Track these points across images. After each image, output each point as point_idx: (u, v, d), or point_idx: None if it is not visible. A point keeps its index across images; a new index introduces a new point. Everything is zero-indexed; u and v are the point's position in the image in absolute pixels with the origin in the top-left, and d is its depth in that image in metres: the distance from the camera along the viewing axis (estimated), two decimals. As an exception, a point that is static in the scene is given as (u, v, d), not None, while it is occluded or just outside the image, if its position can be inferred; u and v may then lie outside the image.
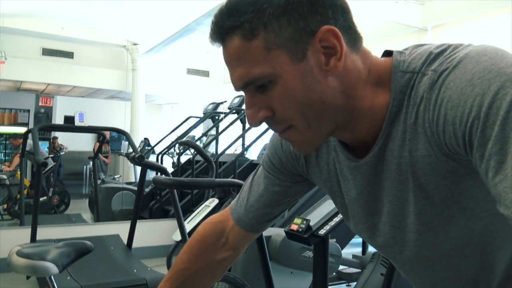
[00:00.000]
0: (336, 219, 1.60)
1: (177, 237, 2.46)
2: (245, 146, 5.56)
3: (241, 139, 5.61)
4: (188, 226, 2.44)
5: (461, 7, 6.71)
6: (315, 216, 1.65)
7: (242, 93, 0.62)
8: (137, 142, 7.04)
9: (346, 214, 0.75)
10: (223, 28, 0.59)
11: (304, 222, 1.60)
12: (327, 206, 1.68)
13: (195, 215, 2.55)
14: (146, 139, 8.73)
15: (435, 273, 0.69)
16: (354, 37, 0.61)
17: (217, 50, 0.61)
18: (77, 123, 4.32)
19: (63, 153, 8.48)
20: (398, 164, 0.61)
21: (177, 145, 6.88)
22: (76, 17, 9.17)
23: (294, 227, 1.63)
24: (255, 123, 0.62)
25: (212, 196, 2.73)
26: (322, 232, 1.58)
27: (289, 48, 0.57)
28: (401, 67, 0.60)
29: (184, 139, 4.89)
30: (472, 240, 0.62)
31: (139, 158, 2.46)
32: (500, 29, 5.72)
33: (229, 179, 2.87)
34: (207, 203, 2.58)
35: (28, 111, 10.97)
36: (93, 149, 6.92)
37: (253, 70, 0.58)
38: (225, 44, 0.59)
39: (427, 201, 0.61)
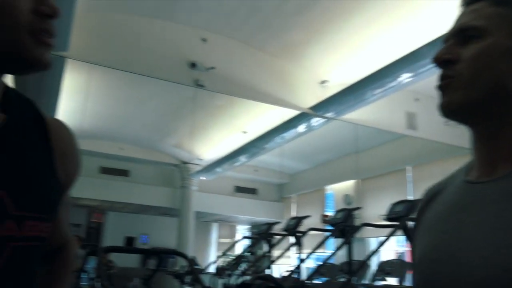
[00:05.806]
0: None
1: None
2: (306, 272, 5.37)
3: (297, 262, 5.47)
4: None
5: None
6: None
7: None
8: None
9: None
10: None
11: None
12: None
13: None
14: (193, 257, 8.64)
15: None
16: None
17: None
18: (139, 244, 4.41)
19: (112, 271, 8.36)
20: None
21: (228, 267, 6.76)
22: (134, 138, 9.83)
23: None
24: (440, 57, 0.67)
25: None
26: None
27: None
28: None
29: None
30: None
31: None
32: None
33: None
34: None
35: (79, 225, 11.26)
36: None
37: (474, 22, 0.66)
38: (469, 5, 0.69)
39: None
